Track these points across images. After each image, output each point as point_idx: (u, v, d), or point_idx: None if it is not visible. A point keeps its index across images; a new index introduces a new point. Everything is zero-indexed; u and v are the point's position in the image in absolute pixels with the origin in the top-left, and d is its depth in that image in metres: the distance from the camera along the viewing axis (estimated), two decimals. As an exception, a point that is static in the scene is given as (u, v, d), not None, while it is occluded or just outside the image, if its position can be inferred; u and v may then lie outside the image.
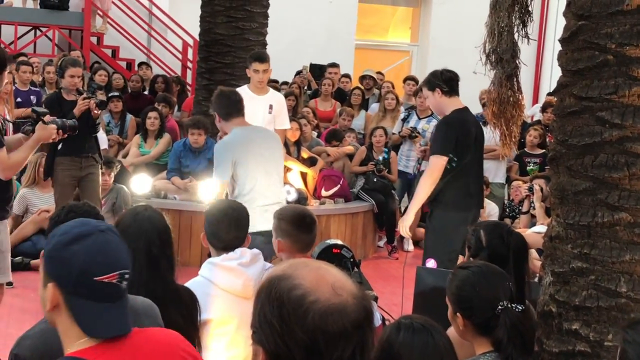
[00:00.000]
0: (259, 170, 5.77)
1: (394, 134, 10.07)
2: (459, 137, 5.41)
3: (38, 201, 8.33)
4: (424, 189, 5.47)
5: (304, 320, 1.58)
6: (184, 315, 3.26)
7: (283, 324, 1.60)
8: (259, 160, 5.80)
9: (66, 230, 2.06)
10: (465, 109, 5.67)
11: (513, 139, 4.34)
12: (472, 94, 9.54)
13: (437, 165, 5.43)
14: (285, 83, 12.31)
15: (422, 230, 10.12)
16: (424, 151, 6.39)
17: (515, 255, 3.64)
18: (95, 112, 7.10)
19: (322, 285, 1.62)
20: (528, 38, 3.80)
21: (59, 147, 7.17)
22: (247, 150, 5.78)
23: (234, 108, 5.89)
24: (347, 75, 12.77)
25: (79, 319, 2.01)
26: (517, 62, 3.93)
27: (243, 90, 7.42)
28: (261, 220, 5.30)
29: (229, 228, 3.86)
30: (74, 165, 7.24)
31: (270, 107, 7.39)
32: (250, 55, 7.52)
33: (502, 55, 3.83)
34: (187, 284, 3.67)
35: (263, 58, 7.38)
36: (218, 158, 5.83)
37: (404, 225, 5.70)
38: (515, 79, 4.03)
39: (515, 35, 3.81)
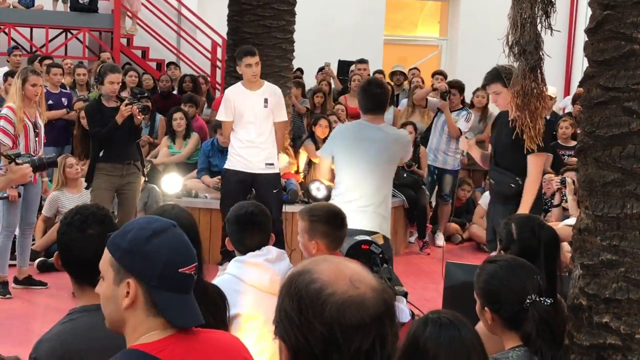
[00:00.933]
0: (357, 169, 5.59)
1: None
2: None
3: (68, 202, 8.42)
4: (533, 192, 5.30)
5: (321, 312, 1.60)
6: (214, 313, 3.27)
7: (302, 317, 1.61)
8: (359, 160, 5.57)
9: (142, 226, 2.09)
10: None
11: (537, 132, 4.27)
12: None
13: (540, 164, 5.31)
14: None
15: (453, 225, 10.12)
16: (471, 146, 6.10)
17: (547, 249, 3.61)
18: (139, 117, 7.14)
19: (340, 278, 1.64)
20: (551, 29, 3.75)
21: (101, 154, 7.19)
22: (347, 145, 5.63)
23: (368, 103, 5.69)
24: (380, 72, 12.68)
25: (165, 310, 2.04)
26: (541, 53, 3.87)
27: (236, 88, 7.46)
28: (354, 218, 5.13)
29: (252, 235, 3.89)
30: (115, 171, 7.23)
31: (266, 101, 7.39)
32: (239, 51, 7.52)
33: (525, 47, 3.78)
34: (215, 282, 3.69)
35: (253, 51, 7.39)
36: (330, 136, 6.10)
37: None
38: (539, 71, 3.97)
39: (539, 27, 3.77)
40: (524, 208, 5.24)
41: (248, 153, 7.41)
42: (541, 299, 3.02)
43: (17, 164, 4.58)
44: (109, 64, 7.91)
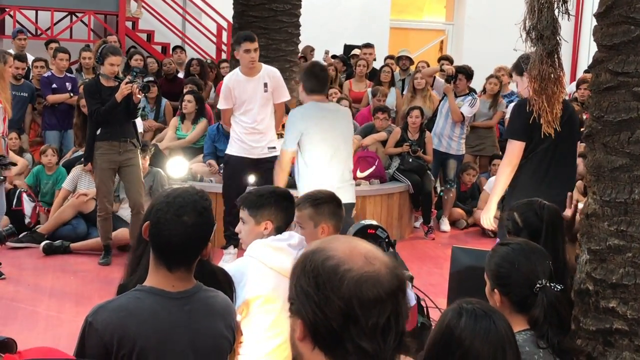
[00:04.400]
0: (327, 145, 5.95)
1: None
2: (534, 119, 4.87)
3: (84, 185, 8.46)
4: (504, 177, 5.24)
5: (339, 287, 1.62)
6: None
7: (319, 292, 1.64)
8: (327, 136, 5.97)
9: None
10: None
11: (555, 116, 4.26)
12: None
13: (513, 151, 5.21)
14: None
15: (458, 210, 10.12)
16: None
17: (549, 226, 3.62)
18: (138, 96, 7.21)
19: (355, 255, 1.66)
20: (568, 14, 3.75)
21: (98, 132, 7.30)
22: (316, 124, 5.94)
23: (318, 85, 6.07)
24: (391, 57, 12.65)
25: None
26: (558, 38, 3.87)
27: (235, 76, 7.45)
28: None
29: (280, 210, 3.93)
30: (113, 149, 7.35)
31: (265, 85, 7.40)
32: (239, 36, 7.51)
33: (543, 32, 3.77)
34: (235, 263, 3.72)
35: (253, 37, 7.42)
36: (289, 127, 6.06)
37: (488, 217, 5.37)
38: (556, 56, 3.97)
39: (556, 12, 3.76)
40: (496, 194, 5.31)
41: (250, 139, 7.42)
42: (551, 284, 3.03)
43: None
44: (111, 46, 7.88)
